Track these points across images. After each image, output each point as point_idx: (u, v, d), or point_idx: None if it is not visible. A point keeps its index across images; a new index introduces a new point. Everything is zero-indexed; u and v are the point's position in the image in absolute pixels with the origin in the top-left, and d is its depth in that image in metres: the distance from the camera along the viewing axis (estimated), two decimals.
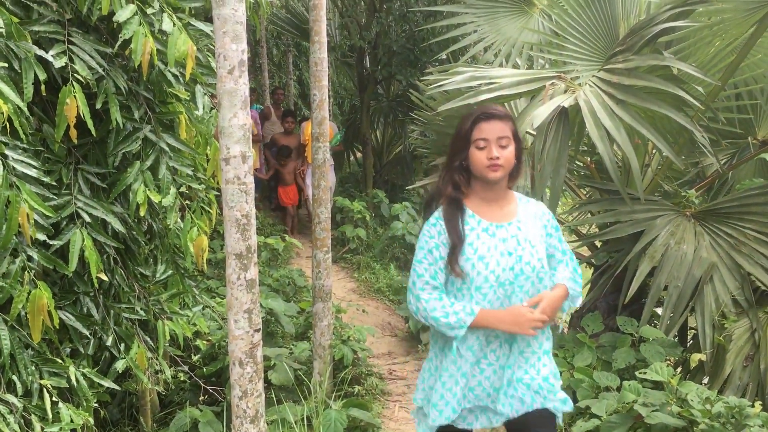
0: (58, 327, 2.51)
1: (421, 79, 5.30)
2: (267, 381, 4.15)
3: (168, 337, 3.10)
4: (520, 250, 2.24)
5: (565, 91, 3.76)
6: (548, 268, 2.31)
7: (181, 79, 2.85)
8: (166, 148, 2.79)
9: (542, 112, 3.60)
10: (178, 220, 2.89)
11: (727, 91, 4.20)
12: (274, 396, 3.98)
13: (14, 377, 2.37)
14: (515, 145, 2.22)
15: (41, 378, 2.47)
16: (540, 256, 2.26)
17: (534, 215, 2.33)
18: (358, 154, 10.73)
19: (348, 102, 13.75)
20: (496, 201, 2.30)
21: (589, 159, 4.65)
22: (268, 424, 3.65)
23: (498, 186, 2.27)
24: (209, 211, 3.17)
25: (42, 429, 2.40)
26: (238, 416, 2.26)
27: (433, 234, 2.24)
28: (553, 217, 2.38)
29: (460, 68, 4.27)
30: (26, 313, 2.36)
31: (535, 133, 3.83)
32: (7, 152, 2.27)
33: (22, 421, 2.37)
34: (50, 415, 2.44)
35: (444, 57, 7.74)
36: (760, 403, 3.02)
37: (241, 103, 2.10)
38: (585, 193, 5.03)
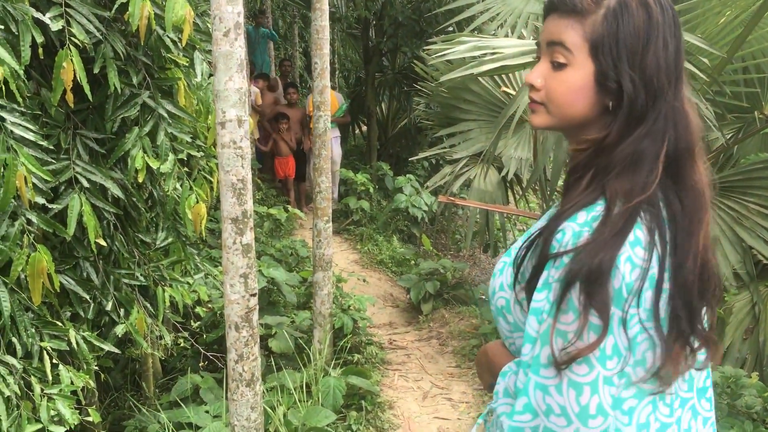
0: (58, 290, 2.52)
1: (424, 49, 5.26)
2: (268, 348, 4.19)
3: (167, 304, 3.12)
4: (498, 265, 1.32)
5: None
6: (513, 314, 1.25)
7: (179, 44, 2.83)
8: (165, 115, 2.78)
9: None
10: (178, 186, 2.89)
11: (735, 64, 4.14)
12: (274, 363, 4.01)
13: (14, 339, 2.40)
14: (593, 66, 1.14)
15: (41, 340, 2.50)
16: (499, 282, 1.27)
17: (543, 227, 1.19)
18: (363, 127, 10.70)
19: (354, 74, 13.68)
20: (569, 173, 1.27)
21: None
22: (268, 390, 3.69)
23: (572, 148, 1.24)
24: (211, 180, 3.18)
25: (42, 390, 2.43)
26: (235, 380, 2.28)
27: None
28: (553, 250, 1.11)
29: (463, 38, 4.23)
30: (26, 276, 2.38)
31: None
32: (3, 115, 2.26)
33: (21, 382, 2.40)
34: (50, 377, 2.46)
35: (450, 28, 7.67)
36: (758, 374, 3.03)
37: (236, 66, 2.08)
38: None
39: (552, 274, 1.09)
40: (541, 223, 1.27)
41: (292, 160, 8.34)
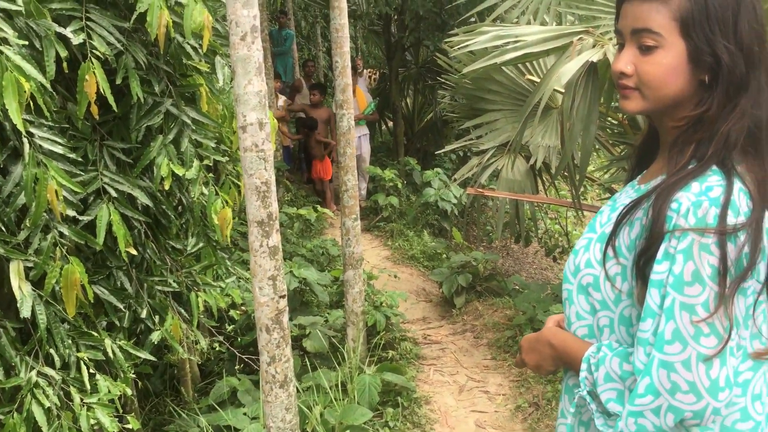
0: (92, 301, 2.56)
1: (446, 41, 5.22)
2: (302, 348, 4.21)
3: (201, 308, 3.15)
4: (581, 241, 1.32)
5: (594, 46, 3.66)
6: (602, 291, 1.24)
7: (200, 51, 2.85)
8: (188, 122, 2.80)
9: (570, 68, 3.52)
10: (204, 192, 2.91)
11: None
12: (308, 363, 4.03)
13: (51, 350, 2.44)
14: (685, 45, 1.13)
15: (78, 351, 2.53)
16: (586, 258, 1.27)
17: (640, 199, 1.19)
18: (390, 123, 10.69)
19: (378, 71, 13.69)
20: (661, 154, 1.28)
21: (621, 115, 4.54)
22: (304, 390, 3.70)
23: (663, 128, 1.25)
24: (238, 184, 3.19)
25: (81, 400, 2.46)
26: (268, 381, 2.29)
27: None
28: (670, 221, 1.11)
29: (484, 28, 4.19)
30: (60, 288, 2.42)
31: (563, 90, 3.75)
32: (32, 130, 2.30)
33: (61, 393, 2.43)
34: (88, 387, 2.50)
35: (472, 19, 7.61)
36: None
37: (255, 69, 2.09)
38: (620, 150, 4.92)
39: (673, 245, 1.10)
40: (625, 197, 1.29)
41: (328, 161, 8.32)
